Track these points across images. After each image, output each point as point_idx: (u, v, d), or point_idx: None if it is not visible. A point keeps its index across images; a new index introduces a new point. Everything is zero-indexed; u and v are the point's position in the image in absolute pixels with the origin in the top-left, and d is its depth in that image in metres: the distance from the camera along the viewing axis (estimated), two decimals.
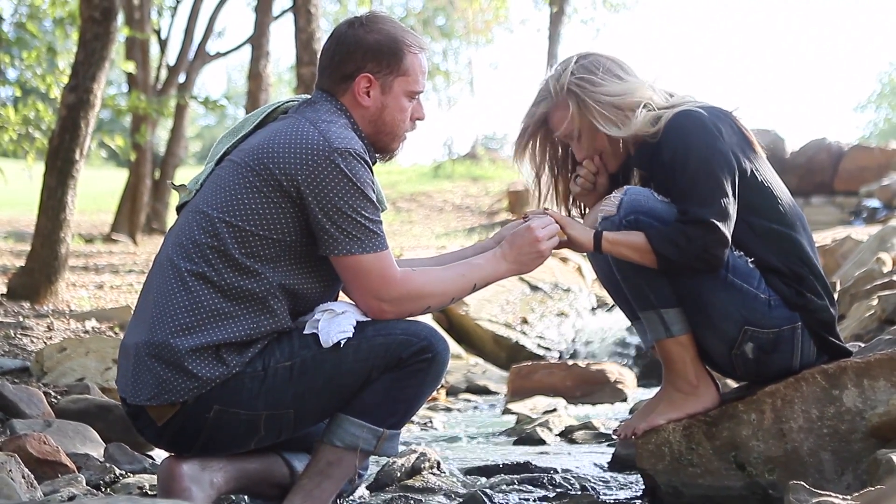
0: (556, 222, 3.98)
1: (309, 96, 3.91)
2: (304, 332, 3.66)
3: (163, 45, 24.63)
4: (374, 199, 3.67)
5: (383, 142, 3.89)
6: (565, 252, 10.44)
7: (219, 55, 25.49)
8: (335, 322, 3.63)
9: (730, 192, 3.91)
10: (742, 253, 3.99)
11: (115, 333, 8.25)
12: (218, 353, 3.56)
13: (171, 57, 24.14)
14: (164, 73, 23.70)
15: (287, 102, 3.96)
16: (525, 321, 12.20)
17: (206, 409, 3.58)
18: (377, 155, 3.89)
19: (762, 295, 3.96)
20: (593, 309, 12.87)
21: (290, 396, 3.63)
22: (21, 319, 8.44)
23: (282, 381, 3.61)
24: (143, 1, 21.01)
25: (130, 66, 20.11)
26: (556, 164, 4.40)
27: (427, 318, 11.48)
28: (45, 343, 7.39)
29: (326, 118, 3.73)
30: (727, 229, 3.87)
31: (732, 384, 4.94)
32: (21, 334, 7.71)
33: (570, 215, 4.39)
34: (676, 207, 3.94)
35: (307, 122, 3.70)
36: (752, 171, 4.03)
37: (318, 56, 3.97)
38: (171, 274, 3.63)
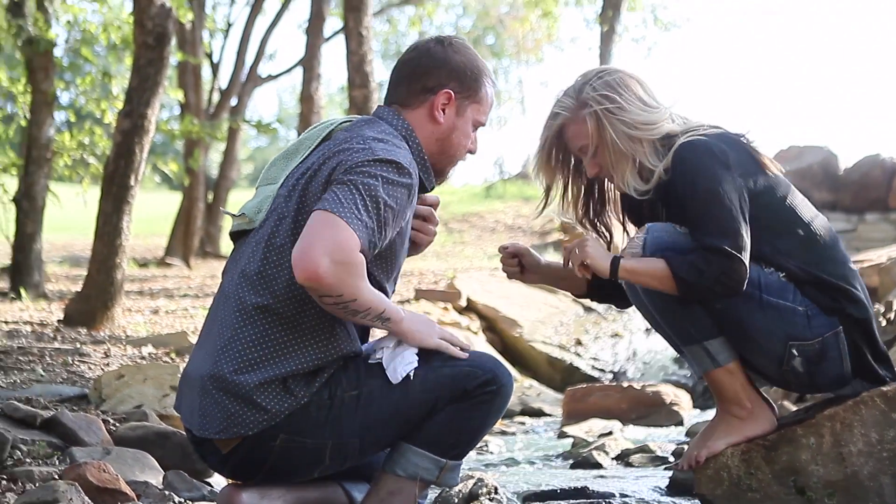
0: (577, 245, 4.01)
1: (363, 117, 3.90)
2: (370, 362, 3.66)
3: (214, 68, 24.85)
4: (394, 209, 3.53)
5: (441, 163, 3.87)
6: None
7: (270, 78, 25.67)
8: (398, 355, 3.64)
9: (740, 217, 3.89)
10: (773, 269, 3.97)
11: (172, 359, 8.29)
12: (286, 385, 3.55)
13: (223, 80, 24.37)
14: (216, 97, 23.90)
15: (342, 123, 3.89)
16: (579, 342, 12.19)
17: (273, 438, 3.58)
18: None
19: (800, 308, 3.95)
20: (647, 330, 12.84)
21: (357, 426, 3.62)
22: (78, 346, 8.52)
23: (348, 411, 3.61)
24: (195, 25, 21.17)
25: (179, 95, 20.26)
26: (573, 176, 4.36)
27: (481, 342, 11.50)
28: (102, 370, 7.44)
29: (379, 136, 3.66)
30: (743, 254, 3.86)
31: (790, 406, 4.92)
32: (79, 361, 7.77)
33: (588, 230, 4.37)
34: (691, 237, 3.94)
35: (360, 138, 3.64)
36: (765, 191, 4.02)
37: (393, 68, 3.95)
38: (235, 307, 3.61)
